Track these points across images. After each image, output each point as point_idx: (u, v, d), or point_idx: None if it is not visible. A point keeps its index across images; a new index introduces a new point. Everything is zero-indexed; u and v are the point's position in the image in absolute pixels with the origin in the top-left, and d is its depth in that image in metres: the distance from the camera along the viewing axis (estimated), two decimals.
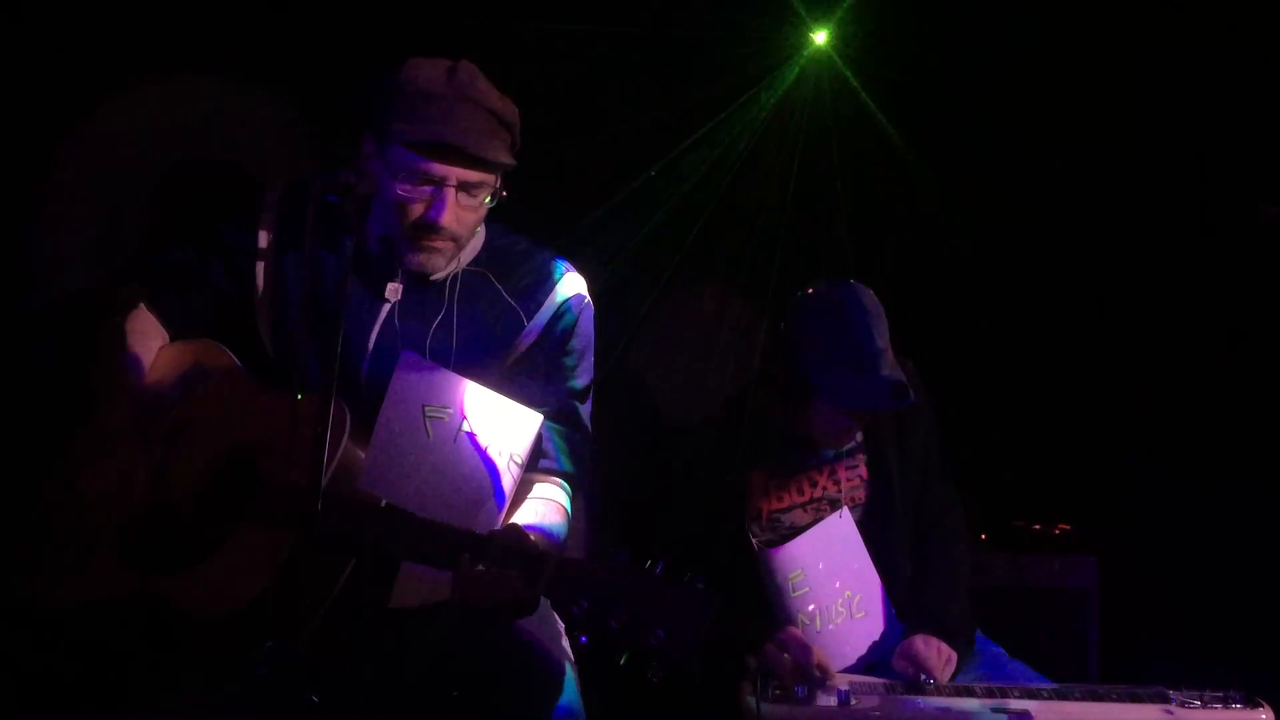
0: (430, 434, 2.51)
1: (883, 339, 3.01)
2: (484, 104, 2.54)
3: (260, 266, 2.69)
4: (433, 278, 2.67)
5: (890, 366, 3.00)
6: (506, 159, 2.57)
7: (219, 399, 2.57)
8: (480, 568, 2.27)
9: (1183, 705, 2.84)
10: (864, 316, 3.00)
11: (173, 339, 2.73)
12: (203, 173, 3.45)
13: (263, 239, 2.69)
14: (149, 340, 2.69)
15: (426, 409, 2.52)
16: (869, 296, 3.06)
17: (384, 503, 2.41)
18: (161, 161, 3.41)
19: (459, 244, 2.63)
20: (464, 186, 2.55)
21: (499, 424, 2.55)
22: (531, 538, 2.35)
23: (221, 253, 2.72)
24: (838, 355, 2.99)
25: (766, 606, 3.04)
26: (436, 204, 2.53)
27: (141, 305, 2.73)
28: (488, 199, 2.59)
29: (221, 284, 2.72)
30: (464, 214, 2.57)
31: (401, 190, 2.53)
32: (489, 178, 2.57)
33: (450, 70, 2.55)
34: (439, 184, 2.53)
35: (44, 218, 3.33)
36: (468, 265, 2.71)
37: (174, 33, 3.37)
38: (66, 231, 3.33)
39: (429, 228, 2.55)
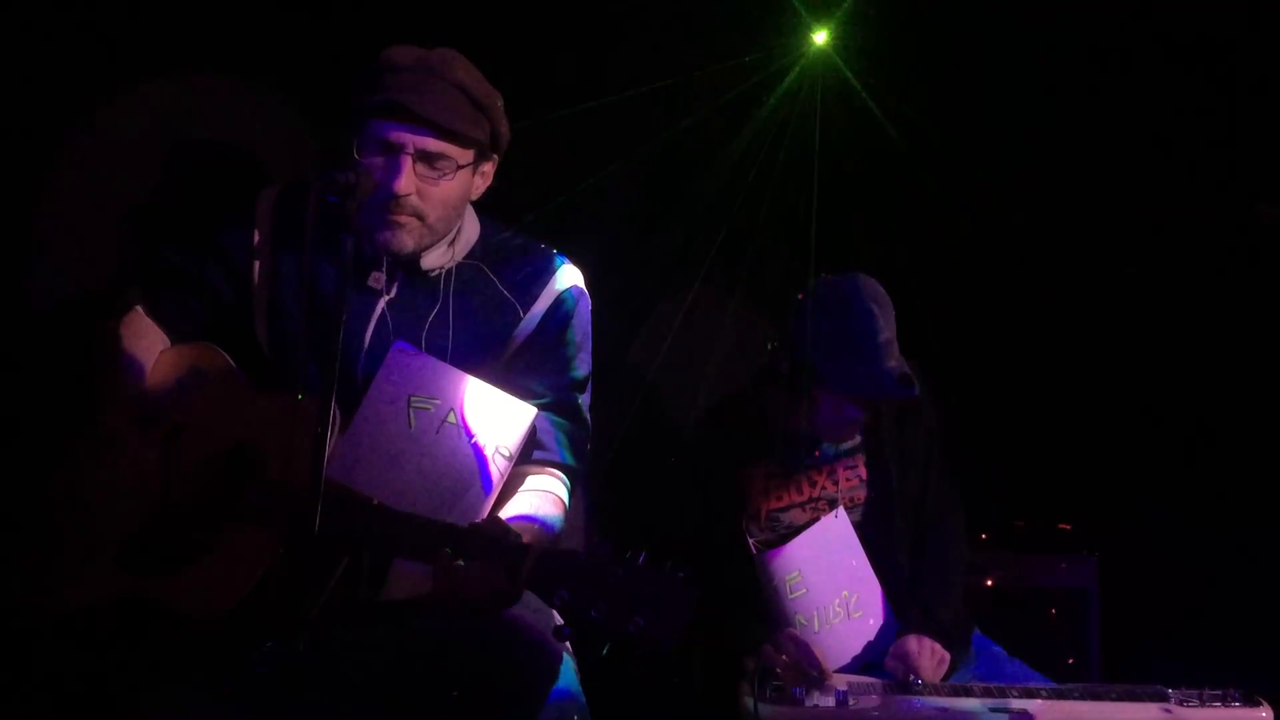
0: (412, 423, 2.50)
1: (889, 331, 3.02)
2: (451, 80, 2.52)
3: (256, 268, 2.69)
4: (423, 266, 2.64)
5: (895, 359, 3.01)
6: (470, 131, 2.54)
7: (215, 402, 2.57)
8: (461, 562, 2.26)
9: (1182, 703, 2.85)
10: (871, 308, 3.01)
11: (172, 342, 2.72)
12: (200, 173, 3.46)
13: (259, 240, 2.69)
14: (146, 344, 2.69)
15: (412, 399, 2.51)
16: (877, 289, 3.06)
17: (375, 501, 2.41)
18: (159, 162, 3.41)
19: (425, 223, 2.58)
20: (423, 157, 2.51)
21: (488, 415, 2.54)
22: (513, 529, 2.34)
23: (218, 255, 2.72)
24: (844, 344, 3.00)
25: (764, 608, 3.04)
26: (393, 172, 2.50)
27: (139, 309, 2.73)
28: (460, 174, 2.56)
29: (219, 287, 2.72)
30: (426, 188, 2.54)
31: (365, 161, 2.50)
32: (449, 149, 2.53)
33: (426, 51, 2.55)
34: (397, 151, 2.50)
35: (43, 218, 3.34)
36: (462, 259, 2.70)
37: (174, 33, 3.37)
38: (66, 232, 3.33)
39: (389, 197, 2.51)
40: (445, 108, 2.51)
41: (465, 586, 2.26)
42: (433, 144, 2.51)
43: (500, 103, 2.63)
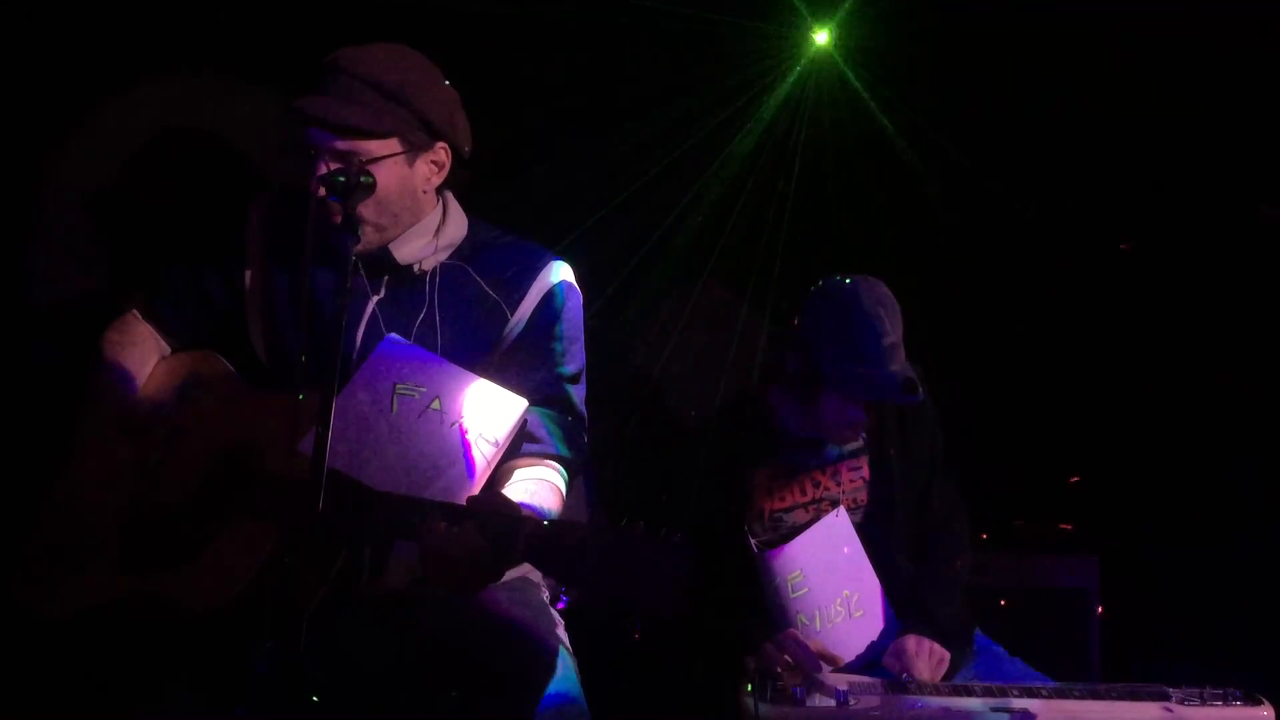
0: (395, 408, 2.49)
1: (895, 334, 3.01)
2: (355, 74, 2.49)
3: (249, 275, 2.69)
4: (400, 260, 2.62)
5: (900, 363, 3.00)
6: (373, 123, 2.49)
7: (214, 404, 2.58)
8: (456, 528, 2.24)
9: (1183, 703, 2.84)
10: (877, 310, 3.00)
11: (171, 347, 2.74)
12: (195, 177, 3.45)
13: (252, 247, 2.69)
14: (144, 350, 2.70)
15: (398, 386, 2.50)
16: (884, 292, 3.06)
17: (374, 491, 2.41)
18: (155, 165, 3.41)
19: (364, 221, 2.53)
20: (334, 156, 2.49)
21: (475, 404, 2.53)
22: (512, 501, 2.33)
23: (214, 260, 2.72)
24: (849, 347, 2.99)
25: (765, 607, 3.04)
26: (310, 175, 2.48)
27: (138, 315, 2.74)
28: (382, 166, 2.51)
29: (214, 293, 2.72)
30: None
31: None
32: (355, 145, 2.49)
33: (346, 50, 2.52)
34: (314, 156, 2.49)
35: (41, 219, 3.34)
36: (447, 259, 2.68)
37: (171, 32, 3.37)
38: (63, 233, 3.33)
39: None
40: (342, 105, 2.47)
41: (453, 551, 2.22)
42: (338, 143, 2.49)
43: (430, 88, 2.57)
